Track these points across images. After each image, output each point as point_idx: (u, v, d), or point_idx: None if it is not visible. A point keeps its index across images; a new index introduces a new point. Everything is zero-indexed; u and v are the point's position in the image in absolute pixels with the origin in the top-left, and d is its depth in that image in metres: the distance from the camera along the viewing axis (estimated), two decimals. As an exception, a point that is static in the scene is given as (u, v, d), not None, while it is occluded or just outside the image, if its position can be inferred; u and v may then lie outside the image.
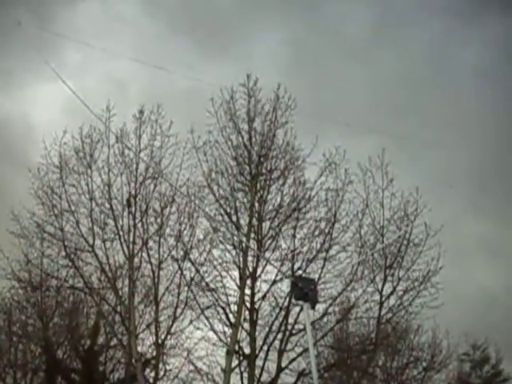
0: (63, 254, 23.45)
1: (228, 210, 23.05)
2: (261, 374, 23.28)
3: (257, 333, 23.25)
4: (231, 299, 23.20)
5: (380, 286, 23.88)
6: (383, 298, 23.96)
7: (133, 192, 22.72)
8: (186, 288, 23.33)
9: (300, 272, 22.85)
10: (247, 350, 23.14)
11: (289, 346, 23.50)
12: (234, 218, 23.04)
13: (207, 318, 23.47)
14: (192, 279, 23.36)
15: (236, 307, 22.86)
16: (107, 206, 22.81)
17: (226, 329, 23.27)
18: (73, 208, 22.93)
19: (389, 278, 23.89)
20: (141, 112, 23.09)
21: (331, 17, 39.22)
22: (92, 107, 13.50)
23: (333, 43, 37.57)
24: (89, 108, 13.85)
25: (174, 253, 23.30)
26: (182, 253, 23.24)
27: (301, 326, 22.86)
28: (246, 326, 23.22)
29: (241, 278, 22.89)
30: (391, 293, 23.99)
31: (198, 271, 23.30)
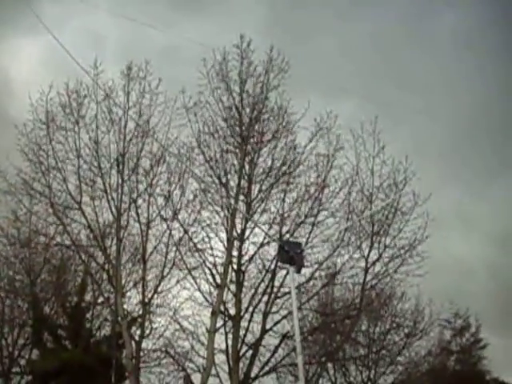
0: (51, 211, 23.36)
1: (218, 171, 22.98)
2: (245, 335, 23.56)
3: (242, 294, 23.44)
4: (218, 260, 23.37)
5: (366, 253, 24.04)
6: (369, 265, 24.13)
7: (121, 150, 22.54)
8: (173, 248, 23.38)
9: (288, 236, 22.95)
10: (232, 311, 23.36)
11: (274, 309, 23.73)
12: (224, 180, 22.97)
13: (194, 278, 23.63)
14: (180, 239, 23.39)
15: (223, 268, 22.97)
16: (95, 163, 22.66)
17: (212, 289, 23.45)
18: (60, 165, 22.74)
19: (375, 245, 24.04)
20: (129, 68, 22.75)
21: None
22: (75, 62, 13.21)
23: (310, 4, 36.97)
24: (78, 63, 13.65)
25: (162, 212, 23.29)
26: (170, 213, 23.26)
27: (286, 290, 23.04)
28: (232, 287, 23.41)
29: (228, 240, 22.96)
30: (377, 259, 24.15)
31: (186, 232, 23.32)
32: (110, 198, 22.69)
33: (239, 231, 23.12)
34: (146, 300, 23.69)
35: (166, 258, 23.41)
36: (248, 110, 22.95)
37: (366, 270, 24.20)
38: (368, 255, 24.06)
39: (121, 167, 22.47)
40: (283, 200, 23.29)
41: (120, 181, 22.58)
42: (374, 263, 24.20)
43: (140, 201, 23.08)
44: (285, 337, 24.07)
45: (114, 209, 22.80)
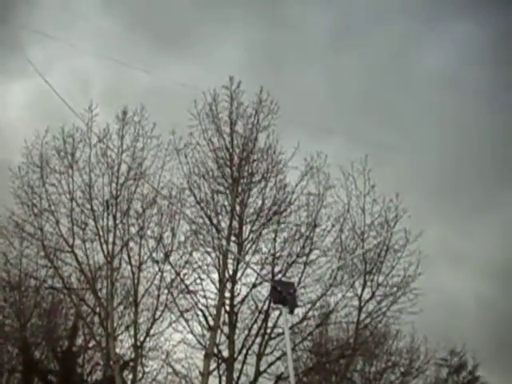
0: (42, 253, 23.37)
1: (209, 212, 23.04)
2: (239, 378, 23.27)
3: (236, 336, 23.24)
4: (211, 302, 23.24)
5: (359, 291, 24.09)
6: (362, 303, 24.13)
7: (114, 193, 22.66)
8: (165, 290, 23.30)
9: (280, 276, 22.90)
10: (226, 353, 23.14)
11: (268, 350, 23.53)
12: (215, 221, 23.02)
13: (186, 321, 23.46)
14: (172, 281, 23.32)
15: (215, 310, 22.84)
16: (88, 206, 22.73)
17: (205, 332, 23.25)
18: (53, 208, 22.82)
19: (368, 284, 24.08)
20: (124, 113, 23.09)
21: (292, 18, 39.18)
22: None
23: (294, 45, 37.59)
24: (72, 109, 13.71)
25: (154, 255, 23.27)
26: (162, 255, 23.21)
27: (280, 330, 22.90)
28: (225, 329, 23.22)
29: (220, 281, 22.88)
30: (370, 298, 24.17)
31: (177, 274, 23.26)
32: (102, 240, 22.68)
33: (231, 272, 23.07)
34: (139, 343, 23.46)
35: (157, 300, 23.32)
36: (238, 150, 23.17)
37: (360, 309, 24.16)
38: (361, 294, 24.11)
39: (112, 210, 22.53)
40: (274, 240, 23.34)
41: (112, 223, 22.61)
42: (367, 302, 24.22)
43: (132, 243, 23.11)
44: (279, 378, 23.78)
45: (105, 251, 22.76)
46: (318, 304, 23.96)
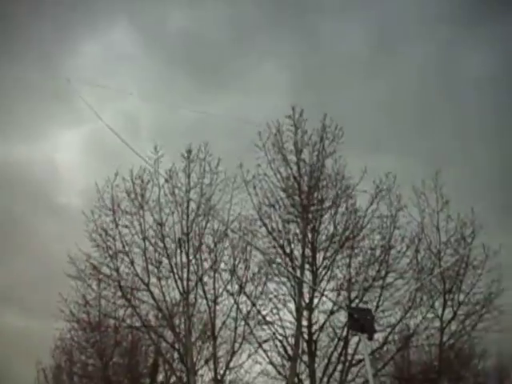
0: (120, 294, 23.67)
1: (281, 242, 22.97)
2: (322, 407, 22.91)
3: (316, 365, 22.97)
4: (288, 331, 23.08)
5: (440, 312, 23.46)
6: (444, 324, 23.45)
7: (185, 229, 22.89)
8: (242, 322, 23.30)
9: (357, 301, 22.51)
10: (307, 383, 22.83)
11: (349, 377, 23.08)
12: (288, 250, 22.92)
13: (265, 352, 23.36)
14: (248, 313, 23.30)
15: (294, 339, 22.62)
16: (160, 244, 23.01)
17: (285, 361, 23.05)
18: (127, 248, 23.19)
19: (449, 303, 23.43)
20: (189, 151, 23.41)
21: (328, 37, 38.76)
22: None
23: (334, 63, 37.12)
24: (136, 152, 13.88)
25: (229, 287, 23.36)
26: (237, 287, 23.27)
27: (361, 357, 22.43)
28: (305, 358, 22.94)
29: (297, 310, 22.69)
30: (452, 318, 23.49)
31: (253, 305, 23.23)
32: (176, 277, 22.91)
33: (307, 300, 22.84)
34: (219, 377, 23.47)
35: (235, 332, 23.35)
36: (306, 178, 23.09)
37: (442, 330, 23.50)
38: (442, 314, 23.46)
39: (184, 246, 22.74)
40: (349, 265, 23.00)
41: (185, 260, 22.82)
42: (449, 322, 23.53)
43: (206, 278, 23.22)
44: (364, 406, 23.29)
45: (180, 287, 22.96)
46: (397, 328, 23.46)
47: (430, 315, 23.48)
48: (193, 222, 22.96)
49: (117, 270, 23.30)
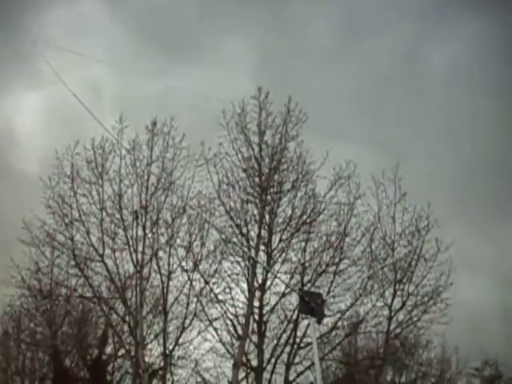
0: (73, 263, 23.59)
1: (238, 221, 23.05)
2: (268, 387, 23.22)
3: (265, 345, 23.21)
4: (240, 311, 23.23)
5: (389, 301, 23.82)
6: (392, 313, 23.86)
7: (143, 203, 22.80)
8: (194, 299, 23.38)
9: (309, 285, 22.80)
10: (254, 363, 23.09)
11: (297, 360, 23.45)
12: (244, 230, 23.02)
13: (215, 330, 23.53)
14: (201, 290, 23.40)
15: (244, 319, 22.80)
16: (118, 216, 22.91)
17: (234, 341, 23.23)
18: (83, 218, 23.04)
19: (398, 293, 23.82)
20: (154, 124, 23.25)
21: (296, 21, 38.59)
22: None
23: (301, 47, 37.04)
24: (99, 121, 13.79)
25: (183, 264, 23.37)
26: (191, 264, 23.29)
27: (309, 340, 22.74)
28: (254, 338, 23.16)
29: (249, 291, 22.85)
30: (400, 308, 23.91)
31: (207, 283, 23.32)
32: (131, 250, 22.84)
33: (260, 281, 23.02)
34: (168, 352, 23.58)
35: (187, 309, 23.44)
36: (267, 160, 23.16)
37: (390, 319, 23.92)
38: (391, 303, 23.85)
39: (142, 219, 22.66)
40: (304, 249, 23.26)
41: (141, 233, 22.75)
42: (397, 311, 23.96)
43: (161, 252, 23.21)
44: (308, 388, 23.71)
45: (135, 261, 22.90)
46: (347, 314, 23.86)
47: (379, 304, 23.89)
48: (152, 196, 22.89)
49: (72, 238, 23.14)
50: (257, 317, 23.09)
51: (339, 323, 23.77)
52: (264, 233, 23.00)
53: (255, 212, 23.17)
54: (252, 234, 23.07)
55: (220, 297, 23.39)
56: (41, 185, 23.08)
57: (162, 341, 23.74)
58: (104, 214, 22.90)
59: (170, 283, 23.39)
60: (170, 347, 23.70)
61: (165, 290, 23.36)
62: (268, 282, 23.13)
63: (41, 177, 23.08)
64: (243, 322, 22.84)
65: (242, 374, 22.83)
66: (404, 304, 23.88)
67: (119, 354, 27.20)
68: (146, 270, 23.12)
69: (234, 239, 23.16)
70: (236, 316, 23.23)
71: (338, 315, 23.57)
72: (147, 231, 22.86)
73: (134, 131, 22.96)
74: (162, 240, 23.16)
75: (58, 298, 26.18)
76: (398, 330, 24.35)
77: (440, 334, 25.39)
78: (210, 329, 23.61)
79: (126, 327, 24.74)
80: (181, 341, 23.90)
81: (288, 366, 23.22)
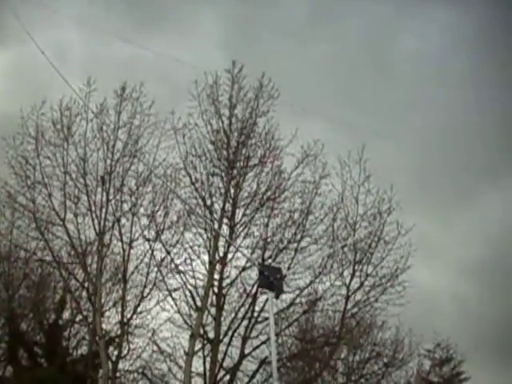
0: (33, 225, 23.31)
1: (203, 193, 23.02)
2: (223, 360, 23.43)
3: (222, 318, 23.34)
4: (199, 283, 23.27)
5: (348, 281, 24.07)
6: (350, 293, 24.14)
7: (108, 168, 22.58)
8: (155, 269, 23.35)
9: (270, 261, 22.95)
10: (211, 335, 23.24)
11: (253, 334, 23.65)
12: (208, 202, 23.02)
13: (174, 300, 23.54)
14: (162, 260, 23.35)
15: (203, 291, 22.89)
16: (81, 180, 22.68)
17: (192, 312, 23.30)
18: (46, 180, 22.77)
19: (357, 273, 24.07)
20: (122, 89, 22.97)
21: None
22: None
23: (274, 25, 36.94)
24: (67, 81, 13.62)
25: (145, 232, 23.28)
26: (153, 233, 23.22)
27: (266, 315, 22.93)
28: (213, 310, 23.32)
29: (210, 263, 22.91)
30: (358, 288, 24.18)
31: (168, 253, 23.29)
32: (93, 215, 22.66)
33: (222, 254, 23.10)
34: (125, 320, 23.56)
35: (146, 278, 23.40)
36: (236, 134, 23.13)
37: (347, 298, 24.21)
38: (350, 283, 24.10)
39: (106, 185, 22.45)
40: (267, 225, 23.36)
41: (105, 199, 22.56)
42: (355, 291, 24.22)
43: (124, 220, 23.09)
44: (263, 362, 23.91)
45: (97, 227, 22.73)
46: (305, 291, 24.05)
47: (337, 283, 24.13)
48: (117, 162, 22.69)
49: (33, 201, 22.86)
50: (216, 289, 23.20)
51: (297, 300, 24.00)
52: (228, 206, 23.04)
53: (220, 185, 23.19)
54: (216, 206, 23.13)
55: (180, 268, 23.40)
56: (3, 144, 22.69)
57: (120, 309, 23.68)
58: (67, 177, 22.66)
59: (131, 251, 23.33)
60: (128, 315, 23.68)
61: (125, 258, 23.28)
62: (229, 256, 23.26)
63: (4, 136, 22.63)
64: (202, 293, 22.91)
65: (198, 346, 22.94)
66: (362, 284, 24.17)
67: (76, 319, 27.06)
68: (107, 236, 23.04)
69: (198, 211, 23.15)
70: (195, 287, 23.29)
71: (297, 292, 23.79)
72: (110, 197, 22.70)
73: (102, 95, 22.62)
74: (126, 207, 23.06)
75: (17, 261, 25.89)
76: (354, 310, 24.65)
77: (395, 316, 25.78)
78: (169, 299, 23.63)
79: (84, 293, 24.69)
80: (139, 310, 23.92)
81: (244, 340, 23.44)
